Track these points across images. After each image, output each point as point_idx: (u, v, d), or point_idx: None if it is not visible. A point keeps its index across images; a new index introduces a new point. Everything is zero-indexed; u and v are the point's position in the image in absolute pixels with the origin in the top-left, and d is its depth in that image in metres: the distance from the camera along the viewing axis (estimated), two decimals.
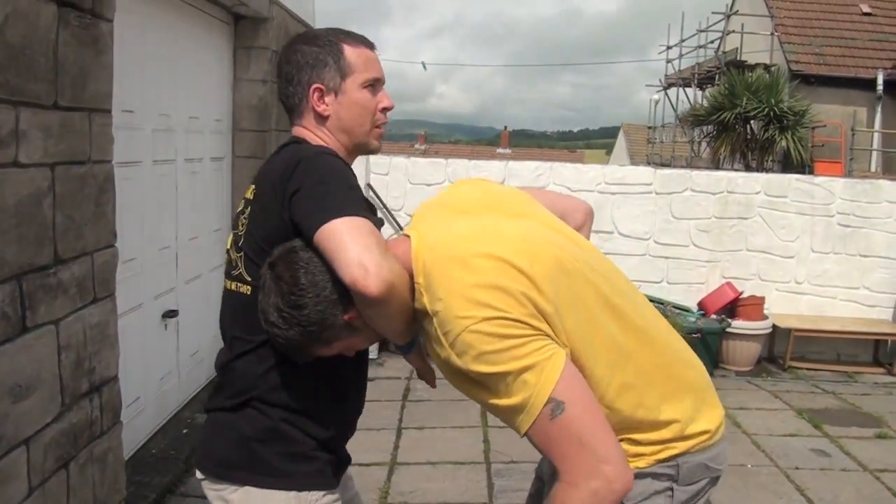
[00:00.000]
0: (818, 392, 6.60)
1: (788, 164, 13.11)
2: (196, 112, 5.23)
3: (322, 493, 1.89)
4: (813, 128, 13.75)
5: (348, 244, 1.62)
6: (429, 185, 7.46)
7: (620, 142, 37.59)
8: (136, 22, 4.16)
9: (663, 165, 16.26)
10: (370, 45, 2.02)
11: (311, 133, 1.99)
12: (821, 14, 17.35)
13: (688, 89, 19.82)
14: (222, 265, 4.88)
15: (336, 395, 1.96)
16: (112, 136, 3.13)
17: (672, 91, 21.04)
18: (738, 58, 16.49)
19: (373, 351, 6.69)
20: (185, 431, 4.75)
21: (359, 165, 7.12)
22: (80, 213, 2.89)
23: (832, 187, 7.57)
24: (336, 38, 1.97)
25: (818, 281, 7.58)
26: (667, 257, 7.53)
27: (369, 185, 7.35)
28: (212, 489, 1.95)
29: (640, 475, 1.65)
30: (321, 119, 1.97)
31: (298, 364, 1.82)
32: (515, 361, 1.53)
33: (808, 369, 7.22)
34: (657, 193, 7.49)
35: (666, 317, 6.51)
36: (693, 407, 1.74)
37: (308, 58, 1.95)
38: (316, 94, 1.95)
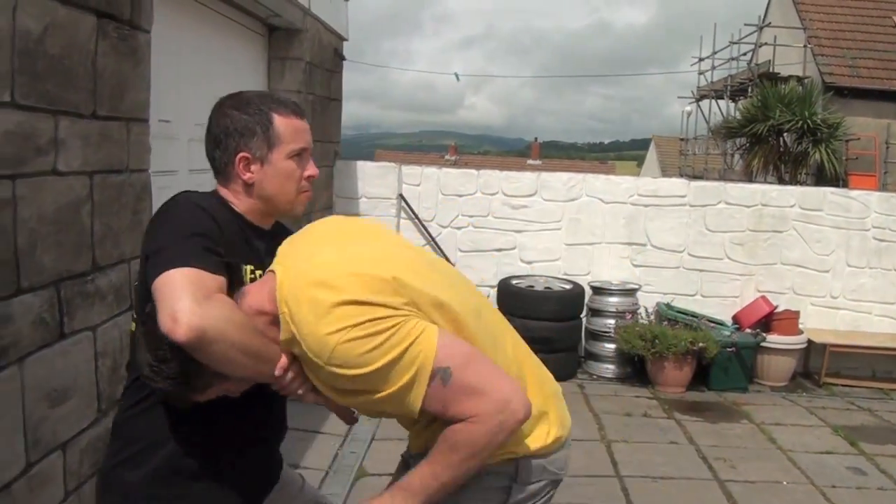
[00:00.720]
0: (854, 409, 6.51)
1: (822, 177, 12.95)
2: None
3: None
4: (847, 140, 13.59)
5: (166, 295, 1.64)
6: (460, 195, 7.48)
7: (652, 154, 37.37)
8: (173, 33, 4.20)
9: (695, 178, 16.14)
10: (300, 114, 2.04)
11: (231, 195, 2.02)
12: (854, 26, 17.14)
13: (720, 101, 19.67)
14: None
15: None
16: (149, 146, 3.17)
17: (704, 103, 20.89)
18: (771, 70, 16.33)
19: None
20: None
21: (391, 177, 7.20)
22: (118, 220, 2.93)
23: (867, 201, 7.48)
24: (267, 108, 1.98)
25: (853, 296, 7.48)
26: (701, 270, 7.47)
27: (401, 196, 7.37)
28: None
29: (480, 473, 1.75)
30: (245, 186, 1.99)
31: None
32: (395, 349, 1.62)
33: (843, 385, 7.12)
34: (691, 206, 7.45)
35: (700, 330, 6.53)
36: (538, 413, 1.82)
37: (237, 124, 1.96)
38: (242, 163, 1.96)
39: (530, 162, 40.50)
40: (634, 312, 7.02)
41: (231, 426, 1.94)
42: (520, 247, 7.49)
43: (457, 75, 17.58)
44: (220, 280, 1.74)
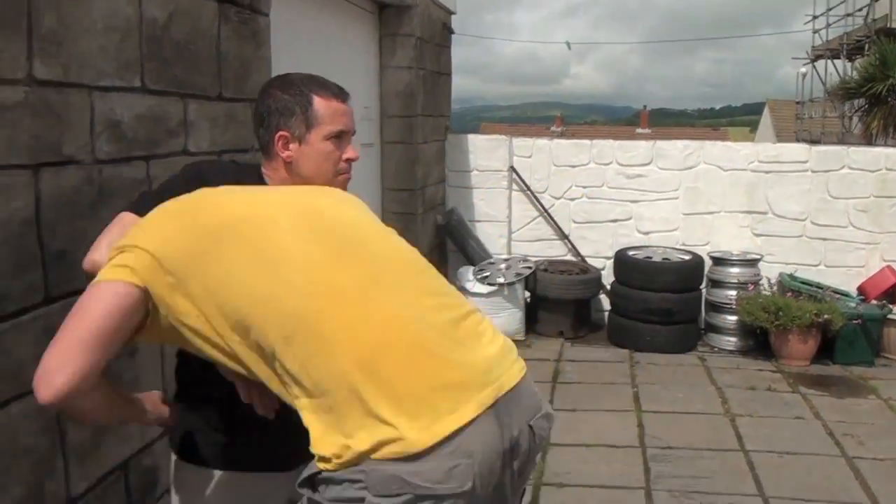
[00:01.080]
0: None
1: None
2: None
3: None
4: None
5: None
6: (573, 166, 7.42)
7: (766, 118, 36.05)
8: (289, 15, 4.30)
9: (812, 142, 15.54)
10: (342, 98, 2.08)
11: (270, 171, 2.09)
12: None
13: (836, 61, 18.82)
14: None
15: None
16: None
17: (819, 64, 20.03)
18: (889, 25, 15.49)
19: (520, 333, 6.73)
20: None
21: (502, 149, 7.20)
22: None
23: None
24: (308, 90, 2.04)
25: None
26: (824, 239, 7.17)
27: (512, 168, 7.38)
28: None
29: (333, 480, 1.53)
30: (285, 164, 2.05)
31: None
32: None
33: None
34: (813, 172, 7.15)
35: (825, 302, 6.30)
36: (390, 414, 1.52)
37: (279, 104, 2.03)
38: (281, 141, 2.02)
39: (639, 131, 39.69)
40: (756, 283, 6.83)
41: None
42: (636, 217, 7.39)
43: (568, 44, 17.39)
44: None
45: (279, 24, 3.71)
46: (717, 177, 7.24)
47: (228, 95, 2.91)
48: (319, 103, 2.03)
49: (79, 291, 2.16)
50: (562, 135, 32.41)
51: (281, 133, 2.02)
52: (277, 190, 1.92)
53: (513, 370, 1.69)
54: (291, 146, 2.03)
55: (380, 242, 1.78)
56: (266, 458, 1.96)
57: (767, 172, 7.18)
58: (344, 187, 2.10)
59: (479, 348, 1.66)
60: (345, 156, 2.08)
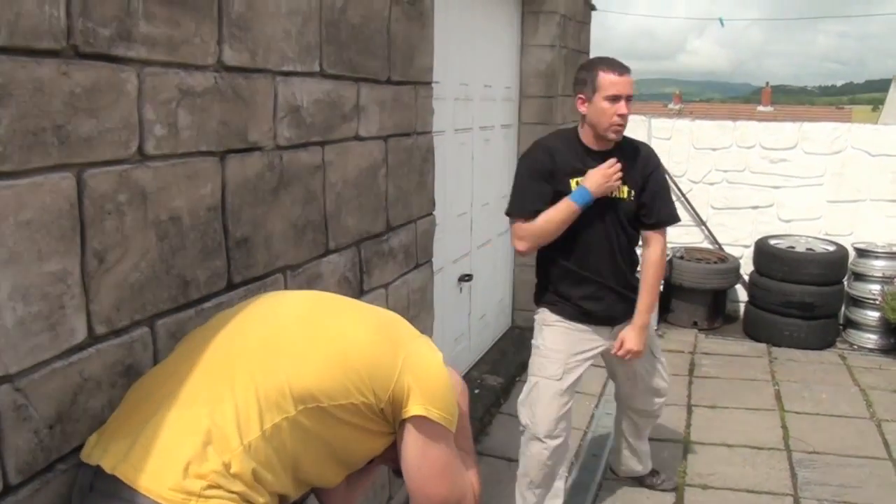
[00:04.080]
0: None
1: None
2: (489, 80, 5.30)
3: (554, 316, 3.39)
4: None
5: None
6: (714, 149, 7.17)
7: (892, 96, 34.07)
8: None
9: None
10: (618, 70, 3.12)
11: (579, 125, 3.31)
12: None
13: None
14: (508, 231, 4.96)
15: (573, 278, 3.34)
16: (432, 108, 3.23)
17: None
18: None
19: (653, 321, 6.56)
20: (476, 391, 4.89)
21: (640, 130, 6.99)
22: (407, 182, 3.02)
23: None
24: (596, 66, 3.16)
25: None
26: None
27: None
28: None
29: None
30: (582, 118, 3.24)
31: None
32: None
33: None
34: None
35: None
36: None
37: (579, 76, 3.23)
38: (579, 102, 3.21)
39: (760, 108, 38.29)
40: None
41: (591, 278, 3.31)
42: (777, 204, 7.08)
43: (721, 20, 16.76)
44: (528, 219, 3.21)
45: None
46: (865, 162, 6.86)
47: (396, 78, 2.87)
48: (602, 76, 3.11)
49: (258, 278, 2.19)
50: (679, 112, 31.62)
51: (579, 96, 3.19)
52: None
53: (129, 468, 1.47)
54: (585, 105, 3.18)
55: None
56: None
57: None
58: (616, 133, 3.17)
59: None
60: (617, 111, 3.11)
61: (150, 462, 1.44)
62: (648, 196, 3.29)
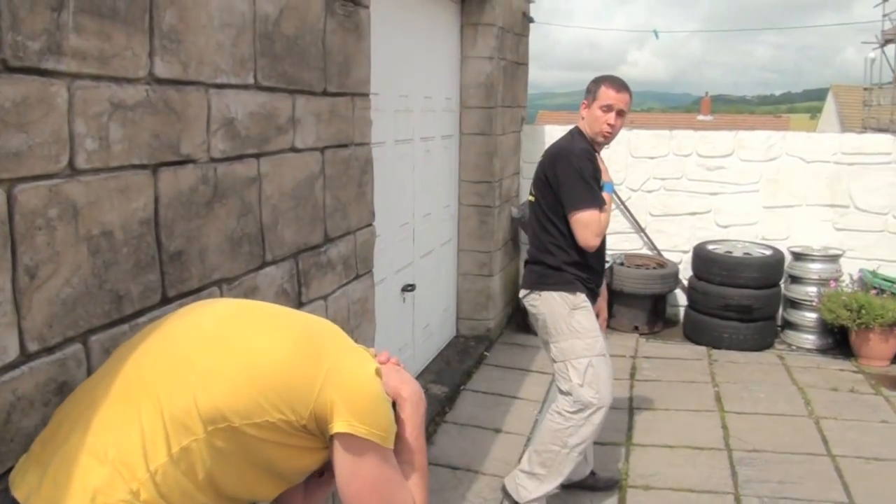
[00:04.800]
0: None
1: None
2: (429, 91, 5.34)
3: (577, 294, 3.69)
4: None
5: (584, 228, 3.62)
6: (652, 158, 7.30)
7: (829, 105, 34.91)
8: (376, 5, 4.26)
9: (880, 131, 15.03)
10: (616, 88, 3.69)
11: (580, 123, 3.81)
12: None
13: None
14: (451, 240, 4.79)
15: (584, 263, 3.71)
16: (370, 120, 3.25)
17: (889, 48, 19.33)
18: None
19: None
20: None
21: None
22: (346, 193, 3.03)
23: None
24: (600, 82, 3.73)
25: None
26: None
27: None
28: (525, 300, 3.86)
29: None
30: (581, 120, 3.79)
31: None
32: None
33: None
34: None
35: None
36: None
37: (589, 86, 3.79)
38: (583, 105, 3.79)
39: (700, 118, 38.83)
40: (837, 280, 6.65)
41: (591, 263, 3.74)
42: (715, 210, 7.23)
43: (656, 32, 16.97)
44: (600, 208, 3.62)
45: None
46: (800, 168, 7.04)
47: (332, 90, 2.88)
48: (603, 90, 3.68)
49: (193, 292, 2.18)
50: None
51: (584, 102, 3.77)
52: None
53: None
54: (585, 111, 3.74)
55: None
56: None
57: (851, 164, 6.94)
58: (605, 141, 3.75)
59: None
60: (607, 121, 3.66)
61: (59, 494, 1.41)
62: None
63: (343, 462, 1.56)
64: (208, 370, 1.53)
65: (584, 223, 3.58)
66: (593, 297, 3.81)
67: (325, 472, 1.74)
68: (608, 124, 3.66)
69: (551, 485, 3.72)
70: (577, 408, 3.65)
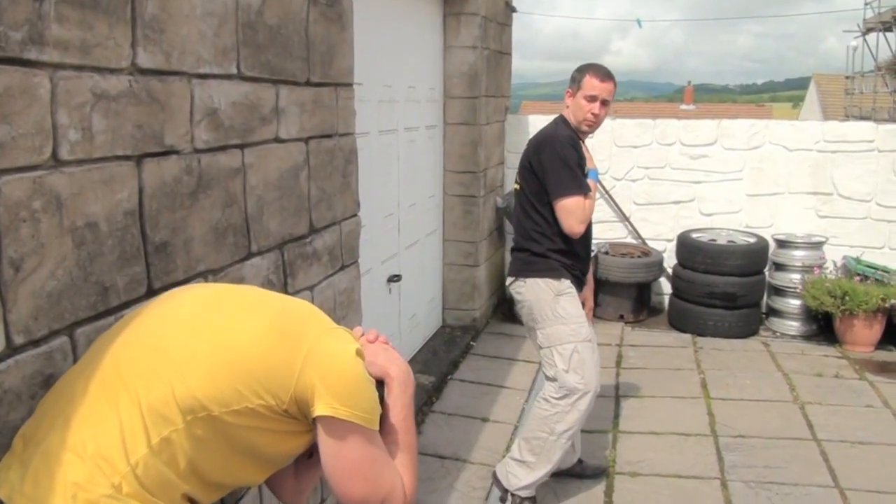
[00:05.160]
0: None
1: None
2: (413, 82, 5.33)
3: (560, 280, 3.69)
4: None
5: (568, 215, 3.63)
6: (635, 147, 7.32)
7: (811, 93, 35.07)
8: None
9: (862, 119, 15.09)
10: (601, 77, 3.69)
11: (564, 112, 3.81)
12: None
13: (889, 34, 18.23)
14: (437, 231, 4.77)
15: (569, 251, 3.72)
16: (354, 110, 3.24)
17: (871, 37, 19.40)
18: None
19: None
20: None
21: None
22: (331, 184, 3.02)
23: None
24: (585, 70, 3.73)
25: None
26: (889, 221, 6.98)
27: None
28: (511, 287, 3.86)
29: None
30: (566, 108, 3.79)
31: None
32: None
33: None
34: (879, 151, 6.95)
35: (891, 286, 6.12)
36: None
37: (574, 75, 3.78)
38: (567, 95, 3.79)
39: (683, 107, 38.94)
40: (821, 267, 6.69)
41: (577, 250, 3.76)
42: (699, 198, 7.27)
43: (639, 21, 16.94)
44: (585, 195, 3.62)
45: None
46: (783, 157, 7.08)
47: (316, 80, 2.87)
48: (587, 79, 3.68)
49: (179, 283, 2.17)
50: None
51: (568, 91, 3.76)
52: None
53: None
54: (570, 100, 3.75)
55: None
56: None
57: (834, 152, 7.01)
58: (589, 129, 3.77)
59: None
60: (590, 110, 3.66)
61: (41, 492, 1.39)
62: None
63: (327, 445, 1.55)
64: (184, 359, 1.51)
65: (568, 210, 3.59)
66: (579, 284, 3.81)
67: (313, 453, 1.73)
68: (592, 113, 3.67)
69: (541, 472, 3.73)
70: (562, 393, 3.66)
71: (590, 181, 3.72)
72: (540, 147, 3.72)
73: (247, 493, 2.56)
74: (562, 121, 3.80)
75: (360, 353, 1.59)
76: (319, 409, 1.51)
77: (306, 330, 1.60)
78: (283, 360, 1.52)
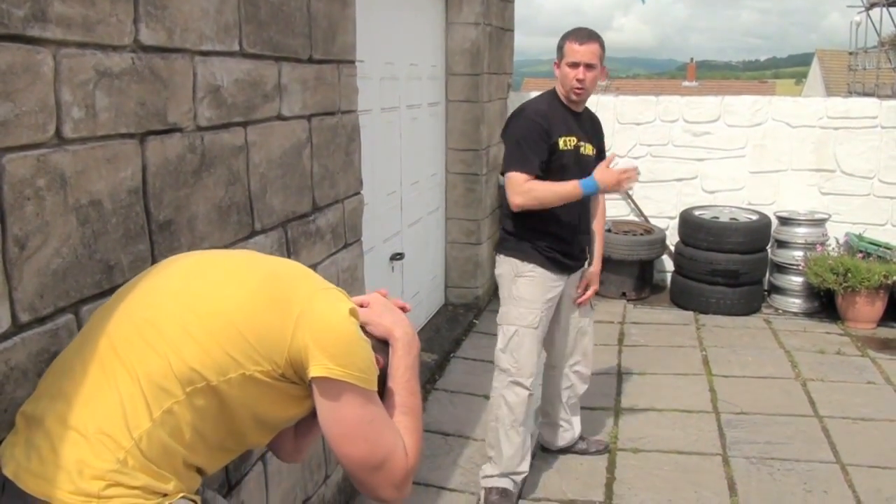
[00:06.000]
0: None
1: None
2: (415, 59, 5.31)
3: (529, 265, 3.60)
4: None
5: (508, 188, 3.52)
6: (638, 124, 7.29)
7: (814, 70, 34.89)
8: None
9: (865, 95, 15.02)
10: (580, 40, 3.50)
11: (557, 85, 3.64)
12: None
13: (892, 9, 18.11)
14: (439, 209, 4.75)
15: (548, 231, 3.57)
16: (357, 87, 3.23)
17: (874, 12, 19.26)
18: None
19: None
20: None
21: None
22: (333, 162, 3.02)
23: None
24: (566, 37, 3.56)
25: None
26: (892, 197, 6.95)
27: None
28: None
29: None
30: (555, 79, 3.63)
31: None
32: None
33: None
34: (882, 127, 6.90)
35: (894, 263, 6.12)
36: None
37: (558, 43, 3.60)
38: (555, 66, 3.62)
39: (685, 84, 38.85)
40: (824, 244, 6.68)
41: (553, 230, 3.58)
42: (701, 176, 7.24)
43: None
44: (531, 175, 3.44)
45: None
46: (786, 133, 7.05)
47: (318, 57, 2.86)
48: (568, 45, 3.52)
49: None
50: (606, 89, 31.85)
51: (555, 62, 3.60)
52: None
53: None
54: (557, 70, 3.59)
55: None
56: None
57: (836, 129, 6.96)
58: (579, 98, 3.57)
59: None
60: (575, 77, 3.48)
61: (46, 469, 1.40)
62: (599, 156, 3.77)
63: (324, 406, 1.54)
64: (176, 331, 1.50)
65: (508, 184, 3.50)
66: (561, 267, 3.67)
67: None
68: (577, 80, 3.47)
69: (501, 467, 3.63)
70: (496, 373, 3.69)
71: (574, 185, 3.44)
72: (506, 122, 3.69)
73: (251, 471, 2.58)
74: (549, 94, 3.69)
75: (353, 313, 1.57)
76: (314, 371, 1.50)
77: (297, 291, 1.58)
78: (274, 323, 1.51)
